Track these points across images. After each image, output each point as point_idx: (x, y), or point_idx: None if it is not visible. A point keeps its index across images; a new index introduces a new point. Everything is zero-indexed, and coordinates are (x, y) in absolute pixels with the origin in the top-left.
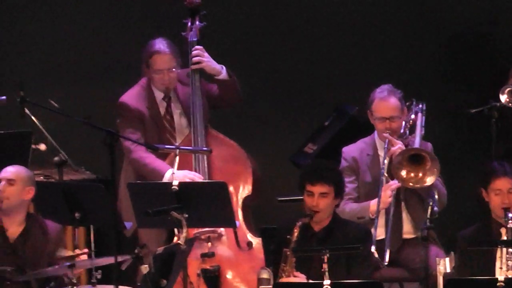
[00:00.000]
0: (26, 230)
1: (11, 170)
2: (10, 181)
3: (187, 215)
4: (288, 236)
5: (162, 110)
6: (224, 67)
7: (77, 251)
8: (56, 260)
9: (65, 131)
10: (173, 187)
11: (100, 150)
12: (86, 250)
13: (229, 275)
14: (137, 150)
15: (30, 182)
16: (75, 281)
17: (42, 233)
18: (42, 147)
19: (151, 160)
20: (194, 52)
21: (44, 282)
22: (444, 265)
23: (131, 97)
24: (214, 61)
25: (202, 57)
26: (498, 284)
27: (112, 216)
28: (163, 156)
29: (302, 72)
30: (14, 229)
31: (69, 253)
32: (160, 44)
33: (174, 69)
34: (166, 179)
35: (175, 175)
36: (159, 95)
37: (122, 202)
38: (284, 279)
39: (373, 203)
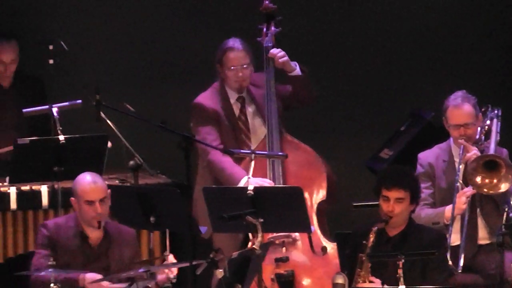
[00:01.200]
0: (106, 236)
1: (98, 188)
2: (103, 200)
3: (262, 220)
4: (363, 241)
5: (236, 111)
6: (297, 64)
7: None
8: (133, 265)
9: (140, 135)
10: (248, 191)
11: (175, 154)
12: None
13: (303, 280)
14: (214, 152)
15: (107, 187)
16: (150, 286)
17: (121, 238)
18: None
19: (228, 165)
20: (279, 54)
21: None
22: None
23: (206, 98)
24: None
25: (283, 55)
26: None
27: (187, 220)
28: (238, 160)
29: (378, 76)
30: (95, 235)
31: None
32: (234, 42)
33: (246, 66)
34: (241, 185)
35: (250, 182)
36: (233, 96)
37: (197, 206)
38: (360, 285)
39: (448, 209)
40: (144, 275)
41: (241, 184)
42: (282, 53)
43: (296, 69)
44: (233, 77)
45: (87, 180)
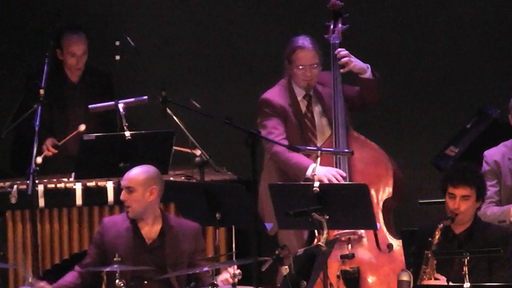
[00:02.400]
0: (163, 231)
1: (128, 177)
2: (129, 189)
3: (328, 217)
4: (429, 239)
5: (303, 108)
6: (369, 66)
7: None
8: (197, 260)
9: (206, 131)
10: (314, 188)
11: (241, 151)
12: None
13: (368, 277)
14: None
15: (151, 182)
16: (215, 282)
17: (181, 233)
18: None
19: (293, 154)
20: (342, 53)
21: (185, 282)
22: None
23: (274, 94)
24: (358, 60)
25: (350, 57)
26: None
27: (253, 217)
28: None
29: (444, 74)
30: (148, 229)
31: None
32: (304, 40)
33: (316, 65)
34: (309, 173)
35: (317, 171)
36: (300, 93)
37: (263, 203)
38: (425, 282)
39: None
40: (209, 272)
41: (309, 171)
42: (345, 52)
43: (367, 72)
44: (301, 76)
45: None
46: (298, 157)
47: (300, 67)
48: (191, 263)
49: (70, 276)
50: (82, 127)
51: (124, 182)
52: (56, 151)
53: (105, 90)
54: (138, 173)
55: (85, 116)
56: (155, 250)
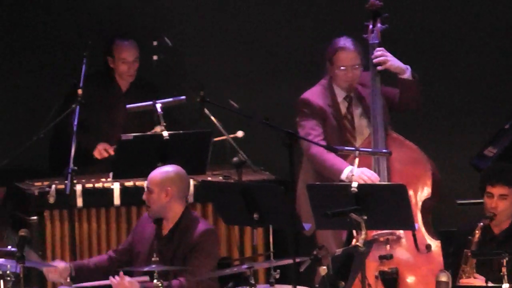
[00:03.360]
0: (175, 227)
1: (149, 178)
2: (149, 189)
3: (366, 217)
4: (469, 237)
5: (343, 110)
6: (409, 67)
7: None
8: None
9: (244, 131)
10: (352, 188)
11: (279, 151)
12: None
13: (407, 277)
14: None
15: (168, 183)
16: (253, 282)
17: (188, 233)
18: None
19: (330, 156)
20: (377, 53)
21: (224, 282)
22: None
23: (313, 94)
24: (397, 60)
25: (386, 56)
26: None
27: (290, 217)
28: (342, 157)
29: (484, 74)
30: (168, 226)
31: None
32: (345, 41)
33: (357, 67)
34: (343, 176)
35: (355, 171)
36: (340, 94)
37: (301, 203)
38: (464, 281)
39: None
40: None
41: (344, 174)
42: (380, 52)
43: (407, 73)
44: (342, 77)
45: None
46: (333, 160)
47: (342, 68)
48: (229, 264)
49: (99, 257)
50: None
51: (146, 182)
52: (106, 155)
53: (152, 95)
54: (156, 174)
55: (130, 120)
56: (168, 245)
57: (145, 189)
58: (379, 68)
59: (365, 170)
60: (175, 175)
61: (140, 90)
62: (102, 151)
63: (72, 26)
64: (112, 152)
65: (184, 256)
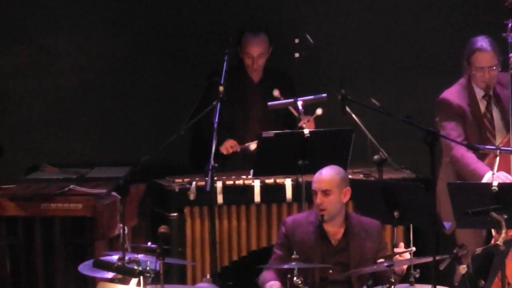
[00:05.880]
0: (347, 231)
1: (324, 180)
2: (326, 192)
3: (506, 216)
4: None
5: (482, 108)
6: None
7: (399, 248)
8: (377, 258)
9: (385, 129)
10: (493, 187)
11: (420, 149)
12: (411, 249)
13: None
14: (458, 147)
15: (344, 183)
16: (393, 280)
17: (364, 231)
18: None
19: (471, 160)
20: None
21: (363, 280)
22: None
23: (452, 94)
24: None
25: None
26: None
27: (431, 215)
28: (482, 156)
29: None
30: (334, 230)
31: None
32: (482, 42)
33: (495, 68)
34: (484, 181)
35: (495, 171)
36: (479, 93)
37: (441, 201)
38: None
39: None
40: (388, 270)
41: (484, 180)
42: None
43: None
44: (480, 78)
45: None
46: (475, 164)
47: (479, 69)
48: (372, 262)
49: (270, 275)
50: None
51: (319, 185)
52: (230, 151)
53: (285, 90)
54: (333, 175)
55: (262, 115)
56: (341, 251)
57: (320, 193)
58: None
59: (501, 174)
60: (347, 174)
61: (273, 80)
62: (228, 147)
63: (213, 23)
64: (238, 149)
65: (371, 254)
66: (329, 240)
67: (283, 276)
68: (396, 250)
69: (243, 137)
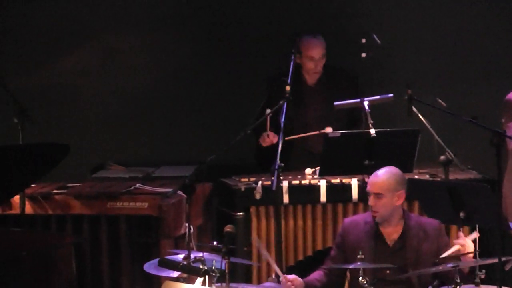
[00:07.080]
0: (404, 232)
1: (376, 183)
2: (378, 195)
3: None
4: None
5: None
6: None
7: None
8: (442, 259)
9: (452, 130)
10: None
11: (486, 150)
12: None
13: None
14: None
15: (399, 187)
16: (458, 280)
17: (422, 232)
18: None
19: None
20: None
21: (429, 281)
22: None
23: None
24: None
25: None
26: None
27: (497, 216)
28: None
29: None
30: (390, 231)
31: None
32: None
33: None
34: None
35: None
36: None
37: (507, 202)
38: None
39: None
40: (452, 271)
41: None
42: None
43: None
44: None
45: None
46: None
47: None
48: (437, 262)
49: (317, 274)
50: (328, 129)
51: (372, 188)
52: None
53: (346, 89)
54: (386, 178)
55: (321, 115)
56: (396, 252)
57: (373, 195)
58: None
59: None
60: (403, 177)
61: (331, 80)
62: (265, 137)
63: (273, 26)
64: (274, 141)
65: (431, 255)
66: (385, 241)
67: (333, 276)
68: (455, 242)
69: (302, 140)
